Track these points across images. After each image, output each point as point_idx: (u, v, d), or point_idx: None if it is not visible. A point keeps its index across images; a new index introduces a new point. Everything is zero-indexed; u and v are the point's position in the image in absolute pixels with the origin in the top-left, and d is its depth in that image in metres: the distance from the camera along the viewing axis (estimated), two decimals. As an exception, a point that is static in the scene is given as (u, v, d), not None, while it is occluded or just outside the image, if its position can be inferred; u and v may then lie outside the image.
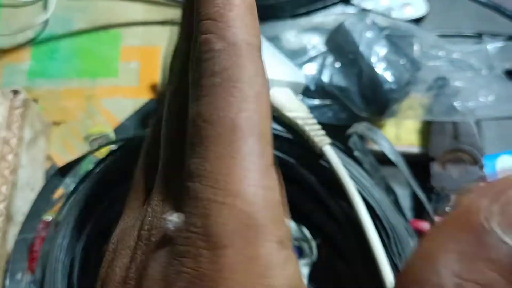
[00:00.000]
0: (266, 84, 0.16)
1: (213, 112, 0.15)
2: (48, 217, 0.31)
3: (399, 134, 0.39)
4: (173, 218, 0.15)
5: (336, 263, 0.35)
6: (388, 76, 0.36)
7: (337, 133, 0.34)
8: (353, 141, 0.32)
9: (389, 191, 0.35)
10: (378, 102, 0.35)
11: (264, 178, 0.15)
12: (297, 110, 0.31)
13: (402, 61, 0.37)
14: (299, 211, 0.33)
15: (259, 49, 0.16)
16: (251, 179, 0.14)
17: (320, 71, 0.38)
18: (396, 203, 0.34)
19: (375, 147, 0.38)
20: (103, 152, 0.32)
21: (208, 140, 0.15)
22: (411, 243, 0.30)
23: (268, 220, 0.14)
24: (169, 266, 0.14)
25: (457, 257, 0.13)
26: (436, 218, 0.31)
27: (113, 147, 0.32)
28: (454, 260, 0.13)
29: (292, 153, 0.31)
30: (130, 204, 0.18)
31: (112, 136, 0.39)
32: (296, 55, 0.39)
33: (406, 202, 0.39)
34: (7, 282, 0.30)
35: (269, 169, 0.15)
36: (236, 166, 0.14)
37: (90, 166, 0.31)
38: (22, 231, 0.31)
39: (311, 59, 0.39)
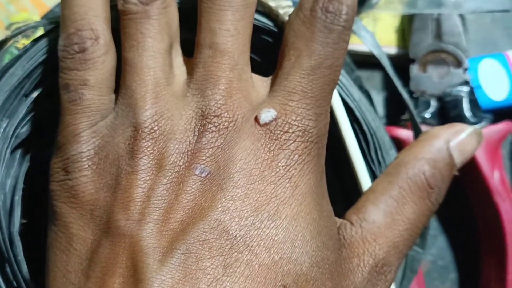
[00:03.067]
0: None
1: (334, 62, 0.22)
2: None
3: (376, 33, 0.35)
4: (272, 112, 0.20)
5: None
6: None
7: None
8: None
9: (364, 93, 0.32)
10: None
11: None
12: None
13: None
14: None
15: None
16: (329, 108, 0.22)
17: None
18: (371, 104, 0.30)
19: (350, 47, 0.34)
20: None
21: (324, 79, 0.21)
22: (393, 150, 0.26)
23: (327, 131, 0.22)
24: (269, 144, 0.20)
25: (431, 158, 0.22)
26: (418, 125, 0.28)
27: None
28: (430, 159, 0.22)
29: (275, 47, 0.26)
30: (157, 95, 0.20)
31: (41, 24, 0.33)
32: None
33: (379, 108, 0.36)
34: None
35: None
36: (329, 100, 0.22)
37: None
38: None
39: None
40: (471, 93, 0.32)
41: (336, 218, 0.22)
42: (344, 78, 0.26)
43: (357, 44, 0.35)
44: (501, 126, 0.32)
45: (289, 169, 0.19)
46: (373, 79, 0.35)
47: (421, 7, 0.32)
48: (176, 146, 0.20)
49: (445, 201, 0.35)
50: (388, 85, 0.36)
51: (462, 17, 0.33)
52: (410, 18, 0.34)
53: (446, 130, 0.23)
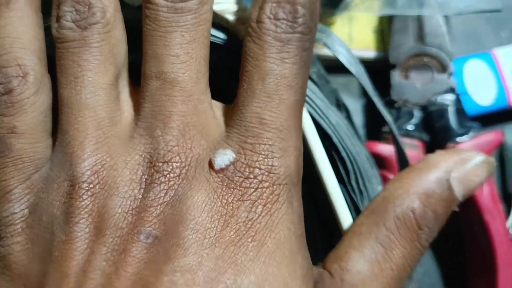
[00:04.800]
0: None
1: (297, 80, 0.18)
2: None
3: (352, 34, 0.32)
4: (229, 154, 0.17)
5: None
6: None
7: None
8: (300, 46, 0.24)
9: (341, 107, 0.29)
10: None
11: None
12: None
13: None
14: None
15: None
16: (300, 139, 0.18)
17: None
18: (349, 121, 0.27)
19: (323, 51, 0.31)
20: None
21: (287, 103, 0.18)
22: (375, 177, 0.24)
23: (302, 169, 0.19)
24: (227, 194, 0.17)
25: (425, 192, 0.19)
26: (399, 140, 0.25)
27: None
28: (423, 194, 0.19)
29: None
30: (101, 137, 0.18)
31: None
32: None
33: (357, 118, 0.33)
34: None
35: None
36: (297, 128, 0.18)
37: None
38: None
39: None
40: (457, 101, 0.30)
41: (314, 268, 0.19)
42: (318, 98, 0.23)
43: (332, 46, 0.32)
44: (490, 136, 0.29)
45: (252, 224, 0.17)
46: (350, 86, 0.33)
47: (401, 7, 0.29)
48: (119, 203, 0.17)
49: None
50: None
51: (445, 15, 0.30)
52: (390, 18, 0.31)
53: (449, 158, 0.19)
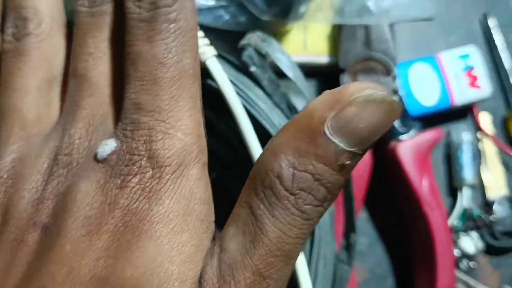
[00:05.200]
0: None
1: (169, 56, 0.17)
2: None
3: (306, 41, 0.34)
4: (110, 143, 0.17)
5: (236, 187, 0.32)
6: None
7: (238, 41, 0.29)
8: (249, 54, 0.26)
9: (292, 110, 0.31)
10: (281, 0, 0.30)
11: (198, 116, 0.18)
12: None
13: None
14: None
15: None
16: (190, 117, 0.18)
17: (214, -35, 0.32)
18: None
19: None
20: None
21: (163, 82, 0.17)
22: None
23: (198, 148, 0.18)
24: (108, 183, 0.17)
25: (294, 153, 0.15)
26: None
27: None
28: (291, 155, 0.15)
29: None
30: (19, 136, 0.19)
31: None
32: None
33: (313, 118, 0.35)
34: None
35: (200, 109, 0.18)
36: (183, 106, 0.17)
37: None
38: None
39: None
40: (400, 102, 0.32)
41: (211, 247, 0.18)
42: (262, 102, 0.26)
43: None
44: (430, 134, 0.32)
45: (128, 210, 0.16)
46: (308, 89, 0.35)
47: (348, 17, 0.31)
48: (22, 195, 0.18)
49: (381, 208, 0.35)
50: (321, 94, 0.35)
51: (391, 24, 0.33)
52: (340, 26, 0.33)
53: (324, 103, 0.15)
